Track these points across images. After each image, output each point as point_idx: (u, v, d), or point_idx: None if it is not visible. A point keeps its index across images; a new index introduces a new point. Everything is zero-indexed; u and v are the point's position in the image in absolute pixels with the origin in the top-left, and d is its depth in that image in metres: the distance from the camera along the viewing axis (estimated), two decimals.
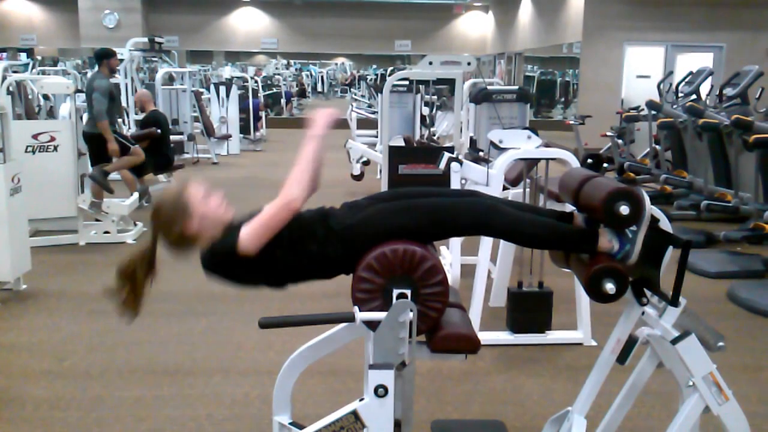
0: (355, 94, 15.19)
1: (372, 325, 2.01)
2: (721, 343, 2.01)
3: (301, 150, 2.06)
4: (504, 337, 3.90)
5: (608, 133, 9.16)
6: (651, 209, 2.04)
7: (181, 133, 10.71)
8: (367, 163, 8.29)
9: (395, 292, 1.99)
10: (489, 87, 7.08)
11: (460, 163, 4.00)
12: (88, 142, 6.22)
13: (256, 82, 14.08)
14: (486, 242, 3.86)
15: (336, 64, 27.84)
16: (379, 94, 9.56)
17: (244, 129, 12.83)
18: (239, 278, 2.12)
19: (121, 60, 10.01)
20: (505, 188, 4.34)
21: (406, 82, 8.89)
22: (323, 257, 2.07)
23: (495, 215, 2.07)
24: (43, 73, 12.36)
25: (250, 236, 1.99)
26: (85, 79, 13.45)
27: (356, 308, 2.01)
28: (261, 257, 2.02)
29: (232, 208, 2.14)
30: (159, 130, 7.25)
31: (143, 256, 2.11)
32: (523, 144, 3.88)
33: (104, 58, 6.47)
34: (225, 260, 2.05)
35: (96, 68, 6.67)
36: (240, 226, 2.02)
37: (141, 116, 8.25)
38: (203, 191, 2.11)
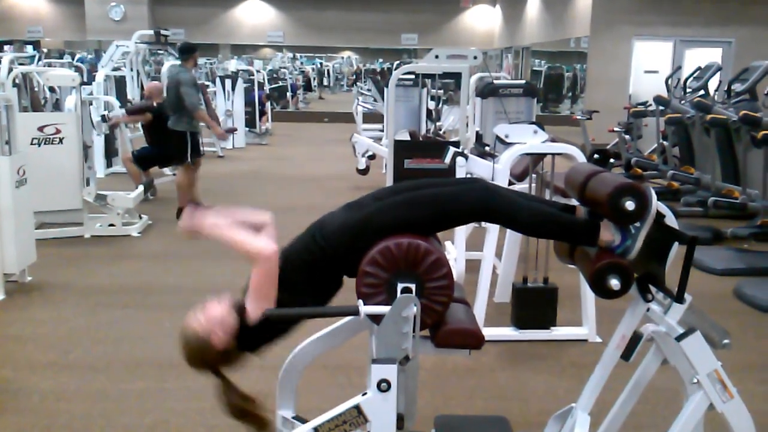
0: (362, 88, 15.15)
1: (376, 319, 2.00)
2: (726, 341, 2.00)
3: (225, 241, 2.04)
4: (509, 332, 3.89)
5: (615, 129, 9.13)
6: (657, 205, 2.02)
7: None
8: (372, 157, 8.29)
9: (400, 286, 1.99)
10: (495, 81, 7.06)
11: (466, 157, 3.99)
12: (171, 138, 6.36)
13: (260, 73, 14.06)
14: (491, 237, 3.85)
15: (342, 57, 27.79)
16: (385, 89, 9.53)
17: (250, 122, 12.83)
18: (279, 330, 2.13)
19: (127, 53, 10.03)
20: (511, 183, 4.32)
21: (413, 76, 8.86)
22: (324, 272, 2.08)
23: (494, 198, 2.06)
24: (49, 65, 12.37)
25: (258, 306, 2.01)
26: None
27: (360, 302, 2.01)
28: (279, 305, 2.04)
29: (227, 298, 2.13)
30: (157, 109, 7.19)
31: (228, 393, 2.18)
32: (529, 139, 3.87)
33: (189, 52, 6.50)
34: (258, 333, 2.08)
35: (177, 62, 6.78)
36: (244, 307, 2.05)
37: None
38: (201, 313, 2.13)
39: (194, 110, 6.30)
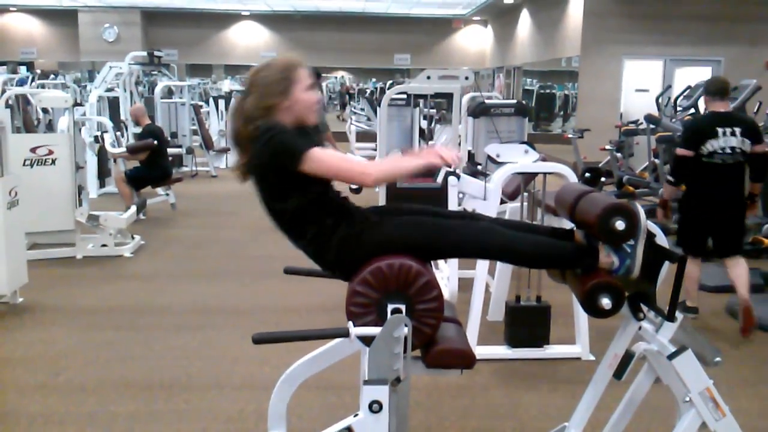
0: (354, 108, 15.22)
1: (367, 340, 2.00)
2: (717, 359, 2.00)
3: (408, 158, 2.08)
4: (502, 351, 3.88)
5: (607, 147, 9.17)
6: (647, 223, 2.03)
7: (180, 146, 10.72)
8: None
9: (390, 307, 1.98)
10: (487, 101, 7.10)
11: (458, 177, 4.00)
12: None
13: None
14: None
15: (335, 77, 27.93)
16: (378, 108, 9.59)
17: None
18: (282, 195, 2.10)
19: (120, 74, 10.06)
20: (502, 202, 4.33)
21: (405, 96, 8.90)
22: (332, 234, 2.08)
23: (492, 239, 2.08)
24: (43, 86, 12.39)
25: (318, 160, 1.98)
26: (85, 92, 13.52)
27: (351, 324, 2.00)
28: (301, 184, 2.03)
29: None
30: (156, 141, 7.25)
31: None
32: (520, 158, 3.88)
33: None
34: (279, 155, 2.01)
35: None
36: (314, 140, 2.03)
37: (139, 129, 8.26)
38: (309, 81, 2.11)
39: None
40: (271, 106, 2.07)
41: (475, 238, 2.07)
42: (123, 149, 7.70)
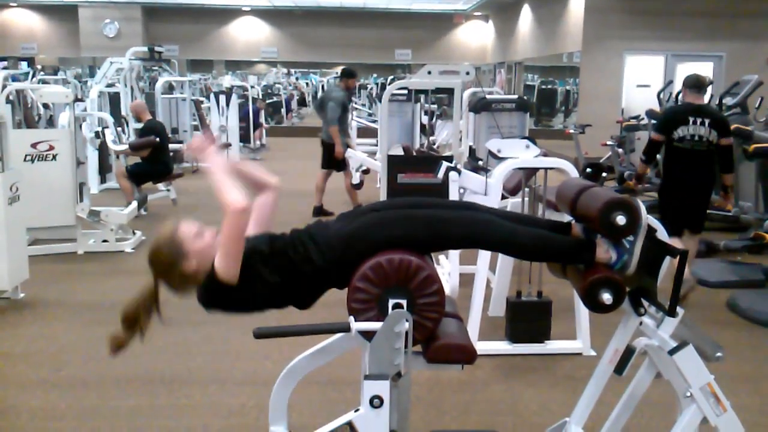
0: (355, 103, 15.21)
1: (368, 335, 2.00)
2: (719, 354, 2.00)
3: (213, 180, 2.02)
4: (503, 346, 3.88)
5: (608, 143, 9.16)
6: (648, 219, 2.03)
7: (181, 142, 10.68)
8: (366, 171, 8.29)
9: (391, 302, 1.98)
10: (488, 96, 7.09)
11: (459, 172, 3.99)
12: (323, 148, 7.50)
13: (254, 89, 14.09)
14: (485, 252, 3.85)
15: (336, 72, 27.89)
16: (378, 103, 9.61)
17: (244, 138, 12.84)
18: (238, 306, 2.11)
19: (121, 69, 10.05)
20: (503, 197, 4.33)
21: (406, 91, 8.90)
22: (313, 271, 2.06)
23: (490, 229, 2.07)
24: (44, 82, 12.38)
25: (221, 261, 1.97)
26: (85, 88, 13.51)
27: (352, 318, 2.00)
28: (247, 279, 2.00)
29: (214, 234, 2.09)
30: (158, 138, 7.26)
31: (146, 302, 2.10)
32: (521, 153, 3.88)
33: (349, 77, 7.61)
34: (217, 294, 2.04)
35: (335, 82, 7.68)
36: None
37: (139, 125, 8.26)
38: (195, 229, 2.07)
39: (329, 123, 7.29)
40: (181, 275, 2.07)
41: (475, 230, 2.06)
42: (125, 146, 7.70)
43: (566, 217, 2.36)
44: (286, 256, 2.06)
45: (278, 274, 2.05)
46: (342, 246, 2.04)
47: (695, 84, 4.84)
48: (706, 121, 4.63)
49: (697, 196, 4.73)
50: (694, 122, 4.64)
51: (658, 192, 5.10)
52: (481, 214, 2.16)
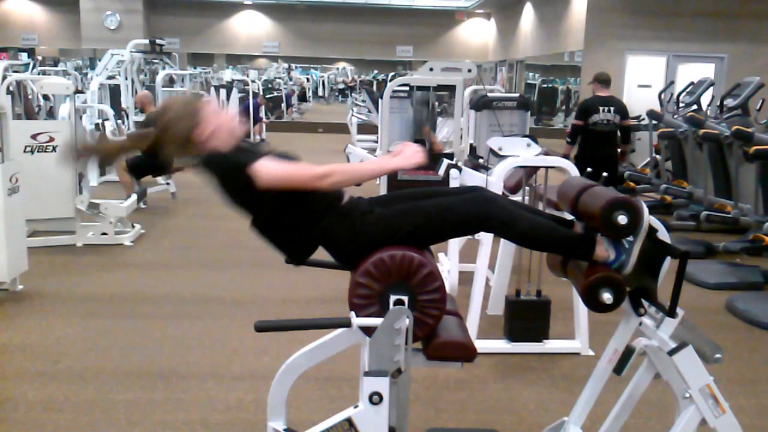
0: (356, 99, 15.19)
1: (368, 331, 1.99)
2: (718, 355, 1.99)
3: (377, 160, 2.08)
4: (501, 345, 3.88)
5: None
6: (649, 219, 2.03)
7: None
8: None
9: (392, 298, 1.98)
10: (489, 94, 7.08)
11: (460, 169, 3.99)
12: None
13: (255, 83, 14.08)
14: (484, 250, 3.84)
15: (337, 68, 27.87)
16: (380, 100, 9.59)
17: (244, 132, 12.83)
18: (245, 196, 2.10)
19: (122, 61, 10.03)
20: (504, 196, 4.32)
21: (407, 88, 8.88)
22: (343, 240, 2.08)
23: (494, 208, 2.05)
24: (44, 73, 12.36)
25: (269, 172, 1.98)
26: (86, 79, 13.49)
27: (353, 314, 2.00)
28: (300, 202, 2.04)
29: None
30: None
31: (129, 149, 2.24)
32: (522, 152, 3.87)
33: None
34: (230, 172, 2.04)
35: None
36: (256, 154, 2.03)
37: (141, 117, 8.25)
38: (217, 106, 2.12)
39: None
40: (186, 136, 2.09)
41: (477, 210, 2.04)
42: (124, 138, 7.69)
43: (567, 217, 2.36)
44: (347, 218, 2.09)
45: (325, 224, 2.08)
46: (347, 238, 2.07)
47: (604, 81, 6.54)
48: (612, 109, 6.40)
49: (605, 167, 5.10)
50: (603, 110, 6.38)
51: (575, 158, 6.28)
52: (484, 193, 2.15)
